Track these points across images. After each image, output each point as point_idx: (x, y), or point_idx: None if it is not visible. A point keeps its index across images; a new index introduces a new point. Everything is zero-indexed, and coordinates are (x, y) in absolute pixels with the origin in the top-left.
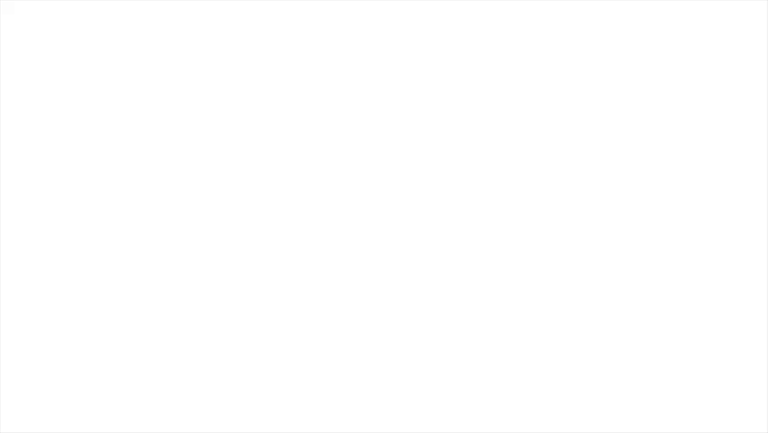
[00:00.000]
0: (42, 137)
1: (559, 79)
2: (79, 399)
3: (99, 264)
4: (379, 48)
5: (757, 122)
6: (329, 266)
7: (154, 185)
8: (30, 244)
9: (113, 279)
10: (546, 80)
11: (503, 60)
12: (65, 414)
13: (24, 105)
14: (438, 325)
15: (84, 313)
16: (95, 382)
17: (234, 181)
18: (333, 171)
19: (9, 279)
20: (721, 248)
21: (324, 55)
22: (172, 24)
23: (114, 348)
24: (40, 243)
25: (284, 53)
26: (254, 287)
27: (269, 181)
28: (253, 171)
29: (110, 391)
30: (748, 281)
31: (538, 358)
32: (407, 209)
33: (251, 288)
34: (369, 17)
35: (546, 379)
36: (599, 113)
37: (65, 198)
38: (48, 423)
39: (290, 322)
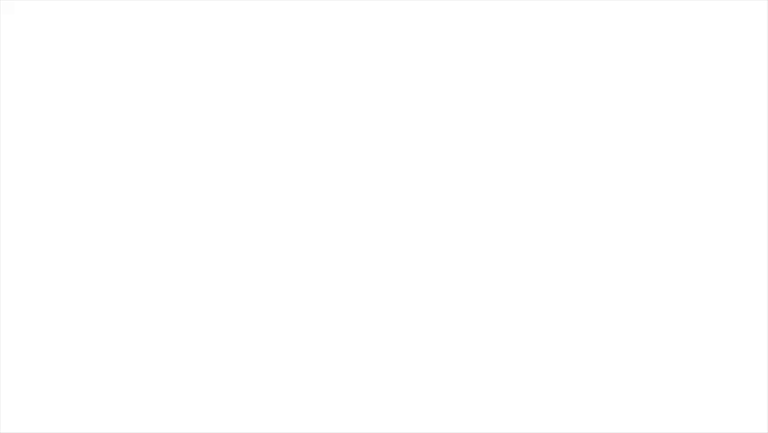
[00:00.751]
0: (43, 137)
1: (559, 79)
2: (79, 399)
3: (99, 264)
4: (380, 48)
5: (757, 122)
6: (329, 265)
7: (154, 184)
8: (30, 244)
9: (113, 278)
10: (546, 80)
11: (503, 60)
12: (65, 414)
13: (24, 105)
14: (438, 325)
15: (84, 313)
16: (95, 382)
17: (234, 181)
18: (332, 171)
19: (9, 279)
20: (721, 248)
21: (324, 55)
22: (172, 24)
23: (114, 348)
24: (40, 242)
25: (284, 53)
26: (254, 286)
27: (270, 180)
28: (253, 171)
29: (110, 391)
30: (748, 281)
31: (538, 358)
32: (407, 209)
33: (251, 287)
34: (369, 17)
35: (546, 379)
36: (599, 113)
37: (65, 197)
38: (48, 423)
39: (290, 322)
